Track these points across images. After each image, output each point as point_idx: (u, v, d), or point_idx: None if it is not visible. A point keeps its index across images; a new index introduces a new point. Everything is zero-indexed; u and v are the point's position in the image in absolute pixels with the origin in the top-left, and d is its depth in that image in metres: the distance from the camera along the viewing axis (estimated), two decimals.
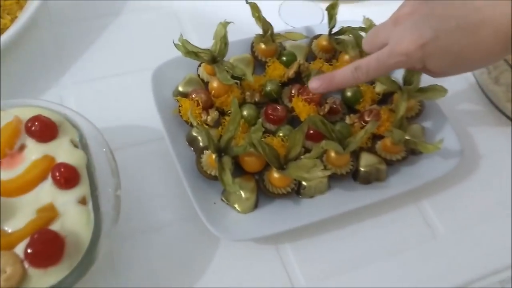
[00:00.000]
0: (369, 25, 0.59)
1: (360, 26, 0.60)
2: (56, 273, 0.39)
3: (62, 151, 0.45)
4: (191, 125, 0.53)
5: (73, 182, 0.43)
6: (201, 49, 0.56)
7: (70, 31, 0.65)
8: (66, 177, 0.42)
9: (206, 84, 0.57)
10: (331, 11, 0.59)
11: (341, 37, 0.61)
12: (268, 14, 0.60)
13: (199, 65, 0.59)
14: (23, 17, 0.58)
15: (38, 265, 0.38)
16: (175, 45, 0.54)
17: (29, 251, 0.38)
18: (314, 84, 0.50)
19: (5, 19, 0.58)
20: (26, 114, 0.46)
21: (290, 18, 0.69)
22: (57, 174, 0.43)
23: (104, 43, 0.64)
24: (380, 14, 0.69)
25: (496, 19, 0.41)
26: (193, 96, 0.54)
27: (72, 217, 0.41)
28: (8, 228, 0.41)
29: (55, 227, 0.41)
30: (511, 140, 0.60)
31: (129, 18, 0.67)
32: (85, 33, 0.65)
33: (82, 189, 0.43)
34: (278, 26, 0.67)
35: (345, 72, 0.48)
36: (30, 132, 0.45)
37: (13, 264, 0.38)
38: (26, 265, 0.38)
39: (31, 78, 0.59)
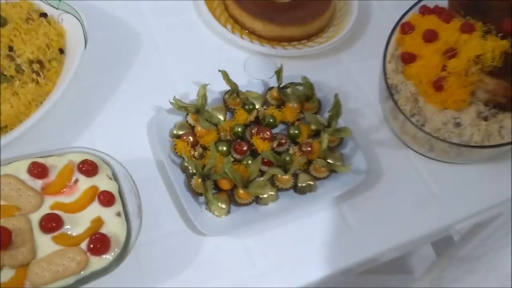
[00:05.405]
0: (305, 82, 0.85)
1: (299, 82, 0.85)
2: (106, 259, 0.63)
3: (102, 182, 0.69)
4: (183, 158, 0.78)
5: (111, 202, 0.67)
6: (188, 104, 0.81)
7: (90, 85, 0.87)
8: (107, 199, 0.67)
9: (192, 127, 0.82)
10: (278, 73, 0.85)
11: (287, 90, 0.86)
12: (236, 67, 0.85)
13: (187, 114, 0.83)
14: (64, 81, 0.80)
15: (95, 254, 0.63)
16: (171, 103, 0.80)
17: (91, 246, 0.63)
18: None
19: (48, 85, 0.81)
20: (77, 158, 0.69)
21: (252, 71, 0.94)
22: (101, 197, 0.67)
23: (119, 94, 0.86)
24: (319, 70, 0.95)
25: None
26: (184, 138, 0.79)
27: (113, 224, 0.66)
28: (73, 233, 0.65)
29: (103, 231, 0.65)
30: (405, 160, 0.87)
31: (137, 72, 0.89)
32: (104, 86, 0.87)
33: (117, 207, 0.67)
34: (243, 77, 0.92)
35: None
36: (81, 171, 0.69)
37: (81, 255, 0.63)
38: (89, 254, 0.63)
39: (69, 124, 0.82)
